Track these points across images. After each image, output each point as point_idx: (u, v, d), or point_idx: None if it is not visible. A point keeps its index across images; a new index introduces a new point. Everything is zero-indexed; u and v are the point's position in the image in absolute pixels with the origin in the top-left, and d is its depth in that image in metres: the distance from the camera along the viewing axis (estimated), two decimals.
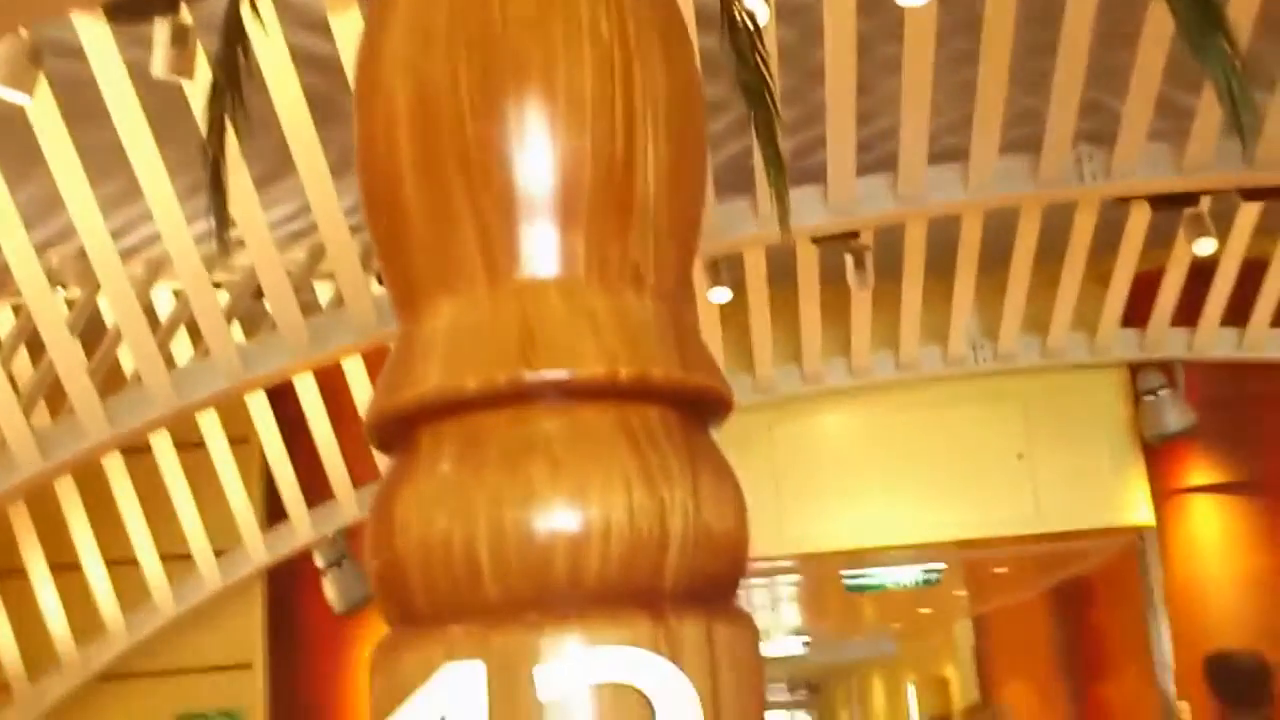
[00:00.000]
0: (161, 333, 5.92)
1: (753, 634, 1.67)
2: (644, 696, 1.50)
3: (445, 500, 1.58)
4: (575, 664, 1.50)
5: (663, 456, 1.60)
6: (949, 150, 5.51)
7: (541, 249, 1.64)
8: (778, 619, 11.12)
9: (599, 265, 1.65)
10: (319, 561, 6.97)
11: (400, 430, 1.68)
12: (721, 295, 5.97)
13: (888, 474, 6.86)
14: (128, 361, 5.99)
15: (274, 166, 5.41)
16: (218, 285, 5.72)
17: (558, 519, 1.55)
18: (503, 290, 1.63)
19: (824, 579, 8.60)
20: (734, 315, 6.26)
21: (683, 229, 1.73)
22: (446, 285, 1.65)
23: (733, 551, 1.66)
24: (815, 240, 5.78)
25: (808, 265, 5.97)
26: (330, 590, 6.90)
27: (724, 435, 1.75)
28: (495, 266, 1.64)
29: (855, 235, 5.74)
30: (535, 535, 1.54)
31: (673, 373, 1.64)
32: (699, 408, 1.71)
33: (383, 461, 1.79)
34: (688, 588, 1.60)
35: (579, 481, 1.56)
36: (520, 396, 1.60)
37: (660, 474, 1.59)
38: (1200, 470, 6.79)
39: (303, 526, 6.86)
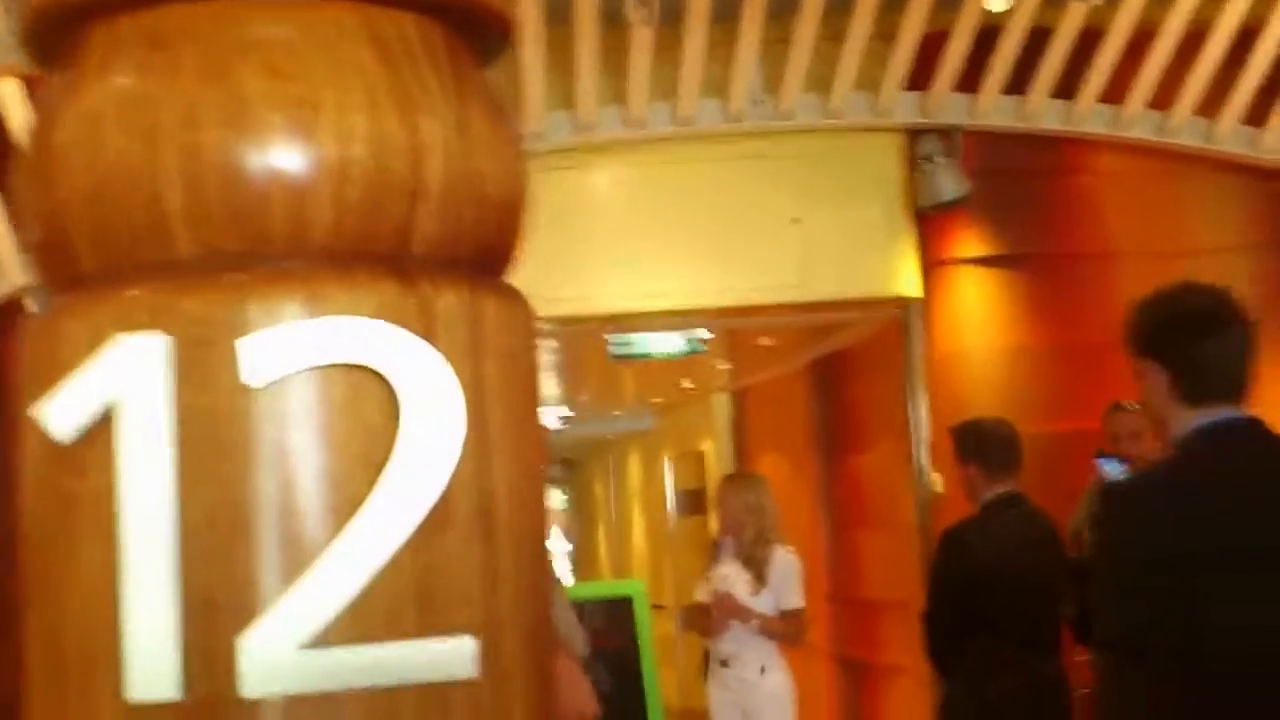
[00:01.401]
0: None
1: (528, 318, 1.32)
2: (386, 382, 1.14)
3: (122, 121, 1.16)
4: (294, 338, 1.12)
5: (421, 78, 1.21)
6: None
7: None
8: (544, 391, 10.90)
9: None
10: None
11: (64, 31, 1.24)
12: None
13: (658, 236, 6.57)
14: None
15: None
16: None
17: (276, 148, 1.15)
18: None
19: (587, 347, 8.36)
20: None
21: None
22: None
23: (507, 211, 1.30)
24: None
25: (585, 2, 5.53)
26: None
27: None
28: None
29: None
30: (245, 169, 1.15)
31: None
32: (470, 27, 1.31)
33: None
34: (449, 251, 1.23)
35: (307, 98, 1.16)
36: None
37: (418, 98, 1.20)
38: (970, 242, 6.71)
39: None
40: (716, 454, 11.08)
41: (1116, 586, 2.39)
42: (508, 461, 1.20)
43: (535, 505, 1.25)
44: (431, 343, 1.15)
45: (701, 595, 5.97)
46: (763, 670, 5.82)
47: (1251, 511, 2.36)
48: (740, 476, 6.82)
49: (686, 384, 10.70)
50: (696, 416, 11.73)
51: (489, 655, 1.15)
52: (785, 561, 5.90)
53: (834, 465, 8.93)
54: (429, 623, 1.13)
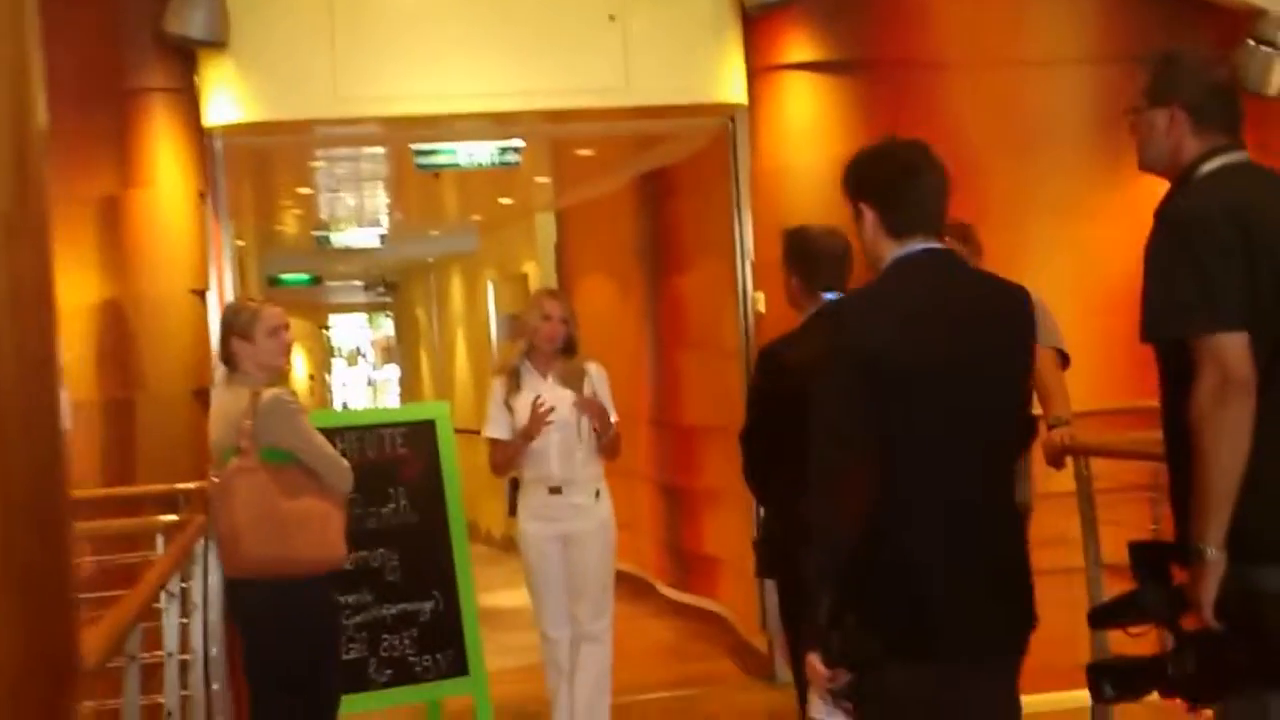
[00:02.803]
0: None
1: None
2: None
3: None
4: None
5: None
6: None
7: None
8: (352, 206, 10.32)
9: None
10: None
11: None
12: None
13: (462, 30, 6.00)
14: None
15: None
16: None
17: None
18: None
19: (391, 156, 7.80)
20: None
21: None
22: None
23: None
24: None
25: None
26: None
27: None
28: None
29: None
30: None
31: None
32: None
33: None
34: None
35: None
36: None
37: None
38: (799, 45, 6.28)
39: None
40: (540, 276, 10.68)
41: (833, 384, 2.83)
42: None
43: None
44: None
45: (497, 430, 5.53)
46: (597, 495, 5.48)
47: (935, 322, 2.85)
48: (553, 289, 6.34)
49: (505, 201, 10.22)
50: (519, 237, 11.28)
51: None
52: (601, 375, 5.53)
53: (659, 286, 8.63)
54: None
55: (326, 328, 23.27)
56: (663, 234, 8.51)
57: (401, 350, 18.87)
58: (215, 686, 5.46)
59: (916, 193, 2.90)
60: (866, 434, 2.74)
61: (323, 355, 23.23)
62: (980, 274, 3.25)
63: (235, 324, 4.46)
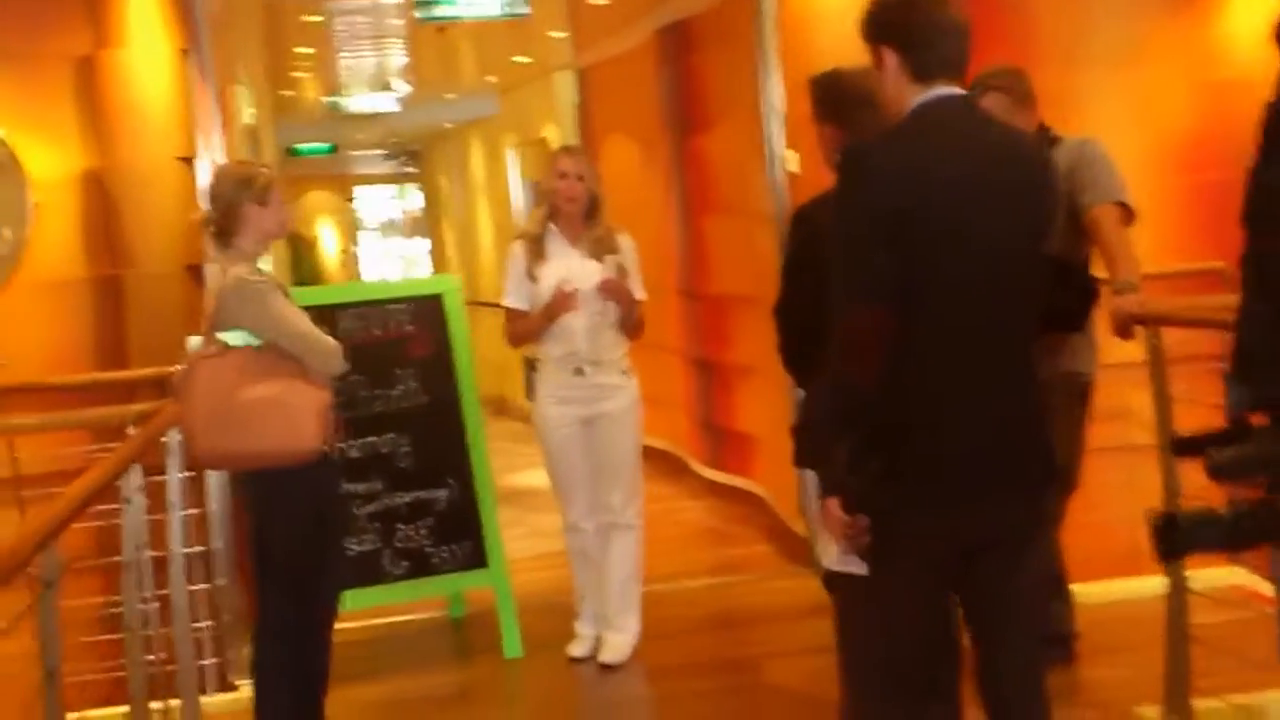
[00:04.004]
0: None
1: None
2: None
3: None
4: None
5: None
6: None
7: None
8: (360, 68, 9.82)
9: None
10: None
11: None
12: None
13: None
14: None
15: None
16: None
17: None
18: None
19: (397, 10, 7.28)
20: None
21: None
22: None
23: None
24: None
25: None
26: None
27: None
28: None
29: None
30: None
31: None
32: None
33: None
34: None
35: None
36: None
37: None
38: None
39: None
40: (560, 140, 10.18)
41: (849, 236, 2.71)
42: None
43: None
44: None
45: (516, 300, 5.12)
46: (624, 373, 5.09)
47: (958, 172, 2.73)
48: (570, 145, 5.82)
49: (522, 59, 9.68)
50: (538, 99, 10.75)
51: None
52: (631, 249, 5.12)
53: (685, 148, 8.14)
54: None
55: (352, 199, 22.85)
56: (687, 91, 8.00)
57: (428, 222, 18.41)
58: (221, 581, 5.25)
59: (939, 34, 2.79)
60: (884, 288, 2.66)
61: (350, 228, 22.87)
62: (1003, 125, 3.12)
63: (249, 189, 4.01)
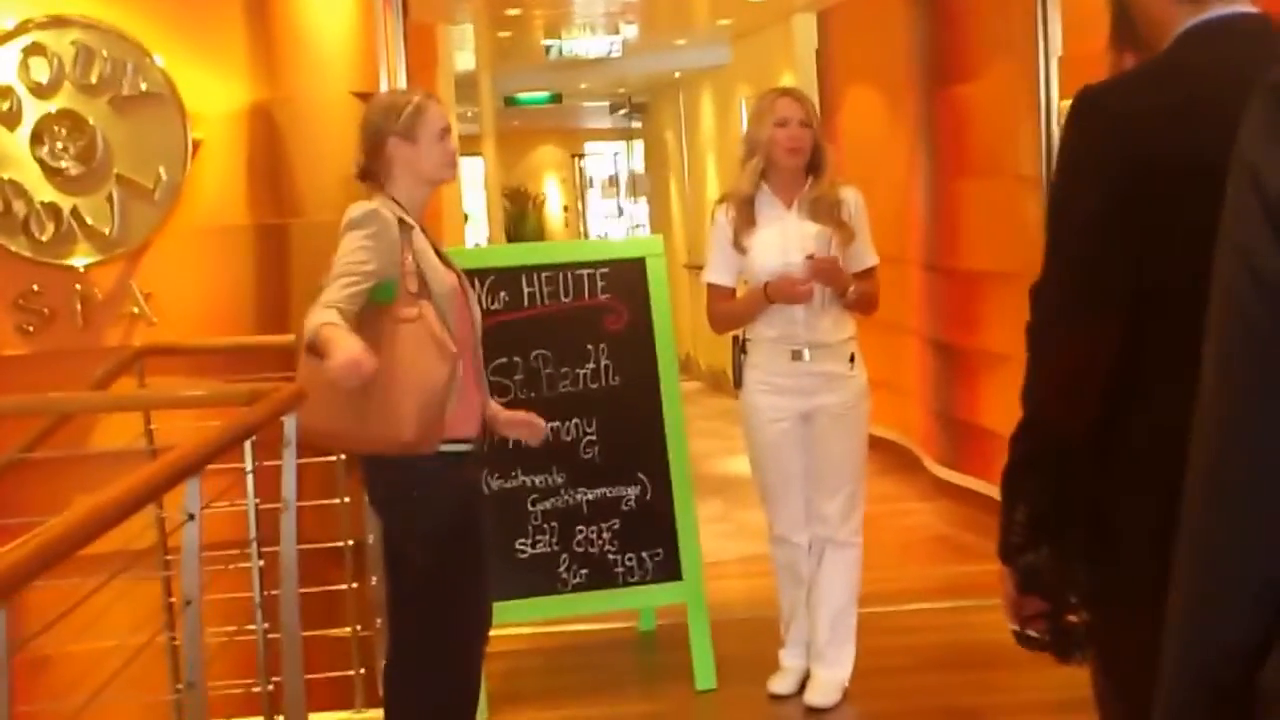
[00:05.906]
0: None
1: None
2: None
3: None
4: None
5: None
6: None
7: None
8: (591, 6, 9.14)
9: None
10: None
11: None
12: None
13: None
14: None
15: None
16: None
17: None
18: None
19: None
20: None
21: None
22: None
23: None
24: None
25: None
26: None
27: None
28: None
29: None
30: None
31: None
32: None
33: None
34: None
35: None
36: None
37: None
38: None
39: None
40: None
41: (1077, 207, 1.99)
42: None
43: None
44: None
45: (719, 274, 4.36)
46: (851, 360, 4.26)
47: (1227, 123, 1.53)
48: (788, 87, 4.95)
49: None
50: (775, 45, 9.90)
51: None
52: (860, 205, 4.27)
53: (938, 99, 7.25)
54: None
55: (581, 155, 22.37)
56: (943, 33, 7.13)
57: (650, 180, 17.71)
58: (373, 580, 4.63)
59: None
60: (1118, 283, 1.95)
61: (576, 185, 22.42)
62: None
63: (391, 122, 3.30)
